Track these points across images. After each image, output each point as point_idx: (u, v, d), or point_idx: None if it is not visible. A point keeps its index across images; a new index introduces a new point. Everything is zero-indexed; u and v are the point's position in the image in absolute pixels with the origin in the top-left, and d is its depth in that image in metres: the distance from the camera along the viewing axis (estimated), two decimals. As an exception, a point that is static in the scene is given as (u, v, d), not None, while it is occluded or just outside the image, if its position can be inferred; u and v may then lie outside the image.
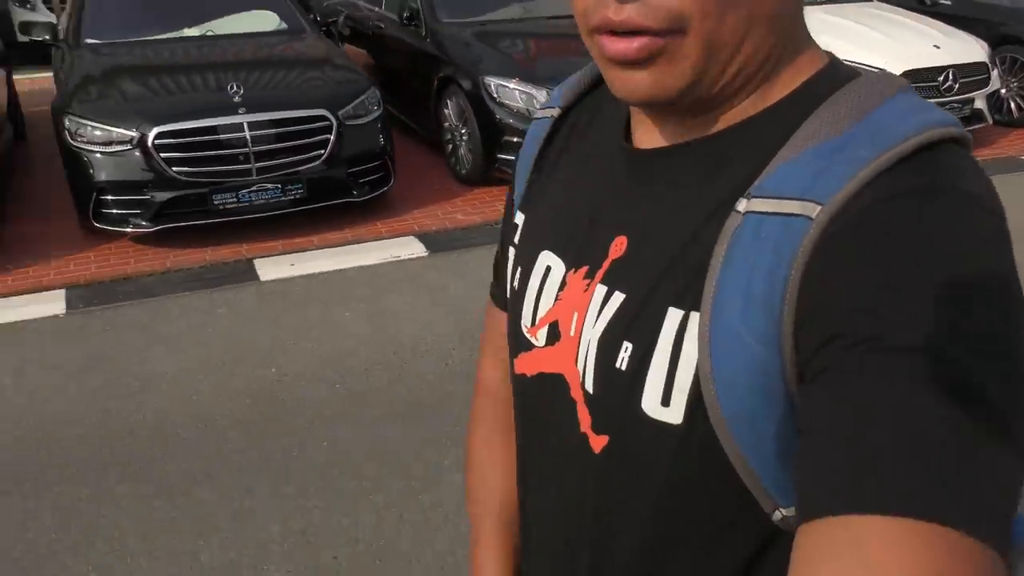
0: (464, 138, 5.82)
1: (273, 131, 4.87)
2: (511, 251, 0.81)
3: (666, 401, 0.61)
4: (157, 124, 4.67)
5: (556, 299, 0.72)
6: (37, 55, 9.55)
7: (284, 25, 6.21)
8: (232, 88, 4.89)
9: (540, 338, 0.73)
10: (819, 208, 0.54)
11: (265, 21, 6.21)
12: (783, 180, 0.57)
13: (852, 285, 0.52)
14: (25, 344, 3.96)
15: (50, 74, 5.83)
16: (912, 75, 6.18)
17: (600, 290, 0.67)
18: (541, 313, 0.74)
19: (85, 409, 3.41)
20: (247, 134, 4.79)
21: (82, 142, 4.75)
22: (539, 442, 0.77)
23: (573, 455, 0.70)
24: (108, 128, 4.72)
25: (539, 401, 0.75)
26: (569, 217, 0.74)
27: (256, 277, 4.63)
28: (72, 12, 5.89)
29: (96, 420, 3.34)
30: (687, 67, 0.59)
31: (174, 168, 4.71)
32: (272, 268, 4.72)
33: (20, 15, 11.08)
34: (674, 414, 0.61)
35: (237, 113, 4.79)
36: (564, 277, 0.72)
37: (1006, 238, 0.54)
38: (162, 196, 4.75)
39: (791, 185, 0.57)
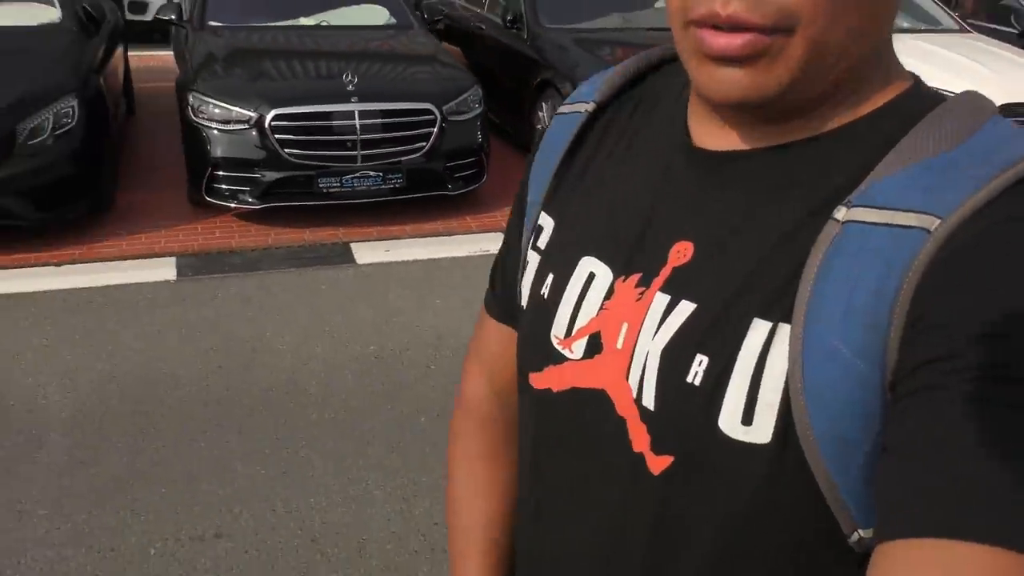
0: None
1: (380, 121, 5.06)
2: (533, 257, 0.76)
3: (747, 419, 0.57)
4: (275, 106, 4.90)
5: (601, 308, 0.67)
6: (141, 34, 9.99)
7: (393, 20, 6.42)
8: (346, 77, 5.10)
9: (576, 350, 0.68)
10: (938, 222, 0.52)
11: (375, 15, 6.43)
12: (893, 192, 0.55)
13: (975, 306, 0.49)
14: (139, 306, 4.20)
15: (155, 52, 6.12)
16: (1010, 109, 6.11)
17: (660, 299, 0.63)
18: (580, 323, 0.69)
19: (201, 368, 3.62)
20: (357, 122, 4.99)
21: (203, 118, 5.00)
22: (570, 466, 0.70)
23: (620, 478, 0.65)
24: (228, 107, 4.97)
25: (571, 419, 0.69)
26: (616, 221, 0.69)
27: (353, 260, 4.82)
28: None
29: (212, 379, 3.54)
30: (788, 69, 0.56)
31: (286, 150, 4.93)
32: (368, 252, 4.91)
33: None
34: (759, 433, 0.57)
35: (350, 101, 4.99)
36: (612, 285, 0.67)
37: None
38: (271, 176, 4.97)
39: (903, 198, 0.54)
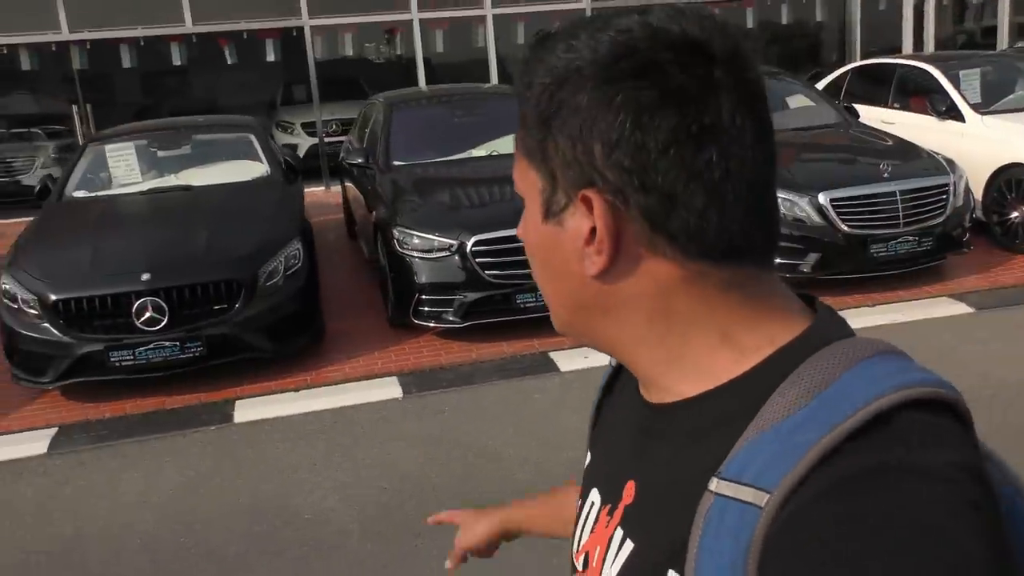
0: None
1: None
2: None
3: None
4: (475, 233, 5.39)
5: (592, 531, 0.79)
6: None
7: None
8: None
9: (579, 563, 0.80)
10: (767, 497, 0.56)
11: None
12: (744, 462, 0.59)
13: None
14: (376, 423, 4.62)
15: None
16: None
17: (618, 533, 0.73)
18: (583, 541, 0.80)
19: (450, 473, 3.97)
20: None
21: (407, 249, 5.54)
22: None
23: None
24: (431, 237, 5.49)
25: None
26: (609, 458, 0.82)
27: (556, 368, 5.16)
28: (380, 138, 6.84)
29: (465, 484, 3.88)
30: (552, 312, 0.75)
31: (486, 272, 5.38)
32: (568, 361, 5.24)
33: (282, 139, 12.72)
34: None
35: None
36: (598, 513, 0.78)
37: (970, 514, 0.52)
38: (473, 296, 5.43)
39: (748, 470, 0.58)
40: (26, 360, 5.06)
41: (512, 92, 0.72)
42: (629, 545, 0.70)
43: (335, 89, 12.27)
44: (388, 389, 5.04)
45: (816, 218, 5.87)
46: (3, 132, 12.76)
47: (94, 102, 11.71)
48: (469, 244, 5.39)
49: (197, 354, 5.00)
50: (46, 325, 4.91)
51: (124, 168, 6.60)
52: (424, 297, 5.53)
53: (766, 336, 0.66)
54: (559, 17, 12.55)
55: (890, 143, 6.82)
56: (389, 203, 5.97)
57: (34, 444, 4.63)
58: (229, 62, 12.08)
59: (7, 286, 5.06)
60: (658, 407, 0.72)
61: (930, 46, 13.60)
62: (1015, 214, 6.66)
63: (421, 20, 12.08)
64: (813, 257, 5.87)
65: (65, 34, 11.04)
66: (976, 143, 6.86)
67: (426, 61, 12.09)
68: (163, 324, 4.92)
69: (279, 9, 11.78)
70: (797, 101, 7.86)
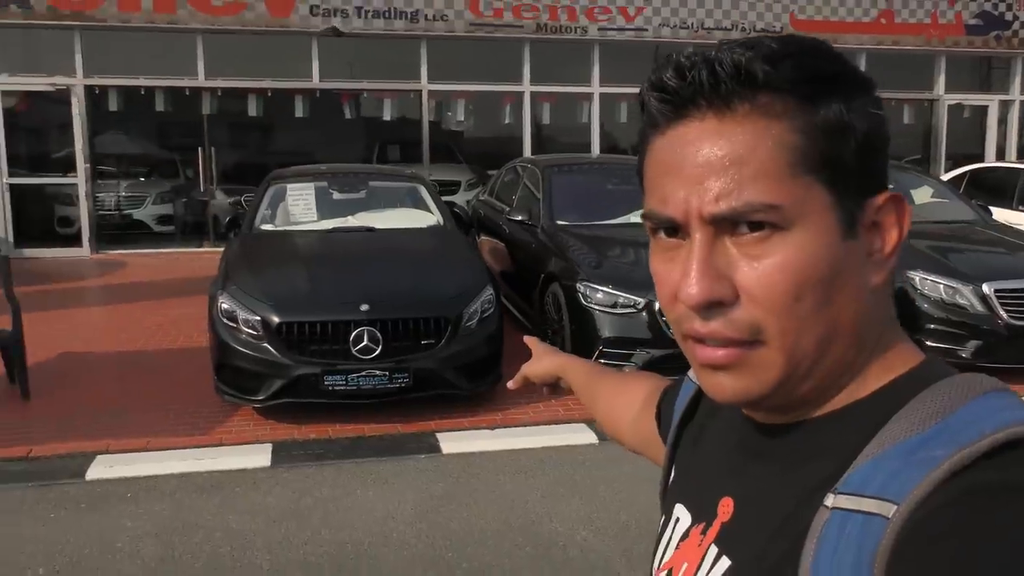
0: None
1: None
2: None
3: None
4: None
5: (677, 547, 0.79)
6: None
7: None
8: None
9: None
10: (895, 508, 0.56)
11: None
12: (866, 478, 0.60)
13: None
14: (576, 462, 4.80)
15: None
16: None
17: (712, 551, 0.73)
18: (666, 557, 0.80)
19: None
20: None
21: (591, 303, 5.80)
22: None
23: None
24: (616, 293, 5.76)
25: None
26: (700, 474, 0.81)
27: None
28: (543, 200, 7.19)
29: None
30: (769, 375, 0.66)
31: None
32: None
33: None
34: None
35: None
36: (688, 529, 0.78)
37: None
38: (658, 352, 5.66)
39: (871, 483, 0.59)
40: (237, 377, 5.29)
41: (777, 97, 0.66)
42: (725, 562, 0.70)
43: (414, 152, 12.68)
44: (583, 435, 5.23)
45: (979, 307, 6.10)
46: (121, 169, 13.29)
47: (218, 146, 12.20)
48: (657, 304, 5.63)
49: (403, 385, 5.23)
50: (266, 345, 5.16)
51: (302, 207, 6.95)
52: (607, 350, 5.77)
53: (901, 360, 0.69)
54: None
55: None
56: (567, 259, 6.27)
57: (255, 457, 4.82)
58: (347, 117, 12.63)
59: (226, 305, 5.33)
60: (768, 426, 0.72)
61: (1012, 153, 14.04)
62: None
63: (532, 93, 12.64)
64: (973, 344, 6.08)
65: (201, 80, 11.62)
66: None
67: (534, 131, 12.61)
68: (376, 354, 5.17)
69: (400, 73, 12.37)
70: (926, 195, 8.19)
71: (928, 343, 6.11)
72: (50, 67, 11.26)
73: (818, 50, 0.66)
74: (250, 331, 5.22)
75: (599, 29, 12.57)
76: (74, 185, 11.41)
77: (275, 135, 14.42)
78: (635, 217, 7.12)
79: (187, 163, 13.03)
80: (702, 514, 0.76)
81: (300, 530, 3.97)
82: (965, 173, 9.28)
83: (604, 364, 5.21)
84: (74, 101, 11.20)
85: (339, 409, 5.32)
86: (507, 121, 12.97)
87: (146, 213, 12.79)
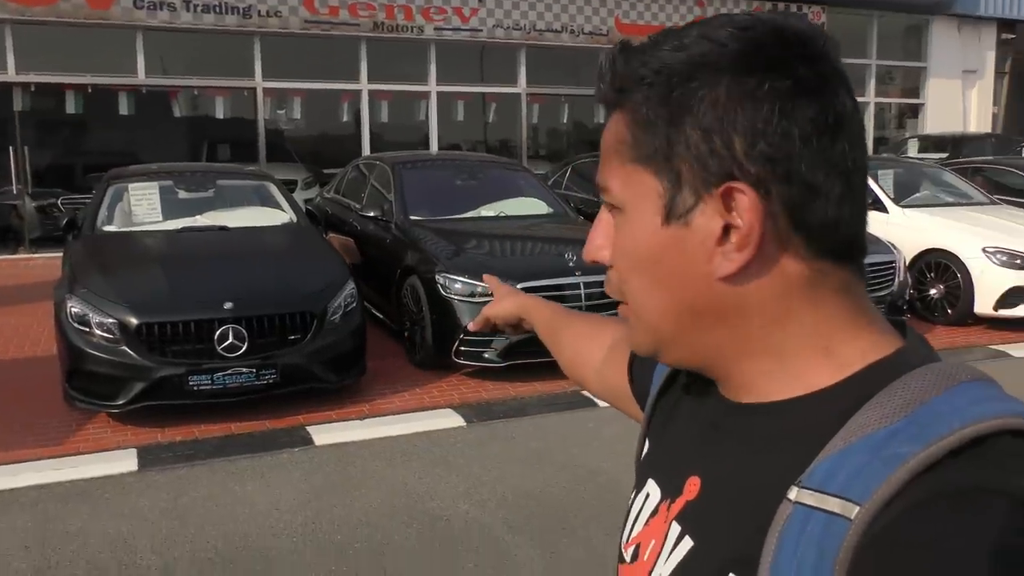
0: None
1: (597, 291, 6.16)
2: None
3: None
4: (520, 280, 5.95)
5: (646, 523, 0.78)
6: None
7: (551, 210, 7.68)
8: (569, 256, 6.23)
9: (627, 555, 0.80)
10: (857, 509, 0.55)
11: (537, 207, 7.68)
12: (830, 472, 0.59)
13: None
14: (456, 447, 5.01)
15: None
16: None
17: (675, 528, 0.73)
18: (634, 532, 0.80)
19: (558, 488, 4.43)
20: (582, 291, 6.07)
21: (451, 293, 6.02)
22: None
23: None
24: (472, 282, 6.02)
25: None
26: (671, 449, 0.81)
27: (595, 404, 5.74)
28: (395, 196, 7.33)
29: (563, 496, 4.35)
30: (639, 333, 0.73)
31: (530, 315, 5.94)
32: (602, 397, 5.83)
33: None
34: None
35: (575, 275, 6.10)
36: (657, 506, 0.78)
37: None
38: (513, 339, 5.96)
39: (835, 479, 0.58)
40: (92, 383, 5.10)
41: (606, 97, 0.72)
42: (688, 543, 0.70)
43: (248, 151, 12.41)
44: (450, 419, 5.44)
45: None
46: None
47: (31, 146, 11.39)
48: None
49: (271, 381, 5.24)
50: (124, 348, 5.01)
51: (146, 207, 6.72)
52: (466, 338, 6.01)
53: (862, 348, 0.67)
54: (496, 98, 13.49)
55: None
56: (423, 252, 6.46)
57: (120, 463, 4.69)
58: (176, 115, 12.14)
59: (76, 309, 5.13)
60: (736, 404, 0.72)
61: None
62: (933, 291, 7.96)
63: (370, 91, 12.68)
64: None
65: (11, 74, 10.82)
66: (899, 231, 8.16)
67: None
68: (242, 351, 5.15)
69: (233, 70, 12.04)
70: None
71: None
72: None
73: (688, 42, 0.66)
74: (105, 334, 5.05)
75: (435, 29, 12.79)
76: None
77: (96, 134, 13.62)
78: (485, 211, 7.43)
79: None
80: (669, 490, 0.76)
81: (183, 528, 3.94)
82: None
83: (466, 353, 5.27)
84: None
85: (202, 409, 5.25)
86: (344, 119, 12.94)
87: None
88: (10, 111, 10.99)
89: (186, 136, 13.64)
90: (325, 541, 3.85)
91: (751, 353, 0.69)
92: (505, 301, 1.33)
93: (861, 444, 0.59)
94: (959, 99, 17.24)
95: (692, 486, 0.73)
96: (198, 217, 6.74)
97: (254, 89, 12.10)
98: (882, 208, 8.49)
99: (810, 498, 0.59)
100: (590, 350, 1.15)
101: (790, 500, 0.60)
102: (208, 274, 5.61)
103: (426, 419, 5.43)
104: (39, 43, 10.98)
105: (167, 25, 11.26)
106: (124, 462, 4.70)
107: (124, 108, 11.52)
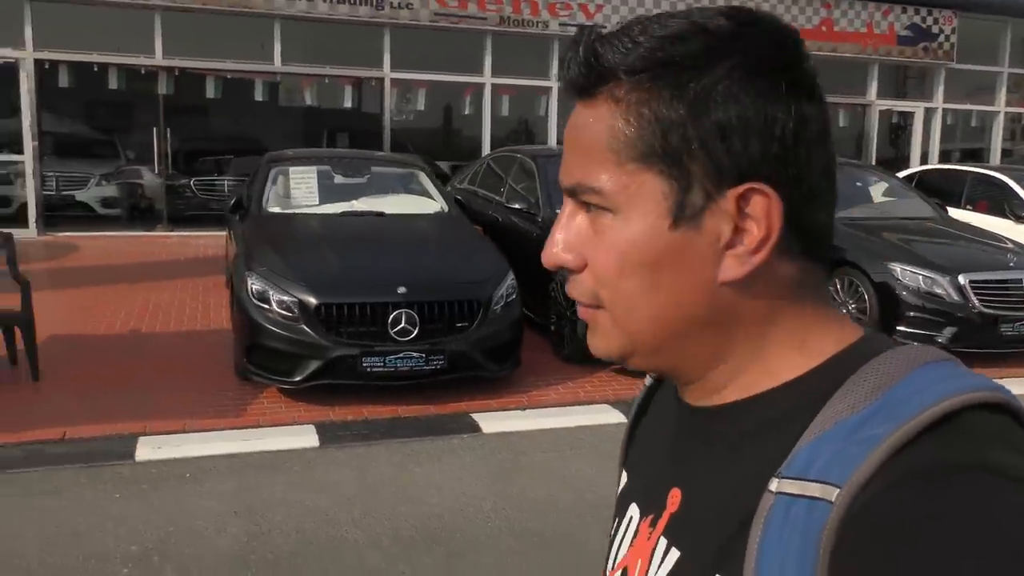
0: (862, 311, 6.89)
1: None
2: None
3: None
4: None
5: (631, 545, 0.77)
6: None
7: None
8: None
9: None
10: (837, 491, 0.56)
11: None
12: (808, 460, 0.59)
13: None
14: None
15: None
16: None
17: (661, 543, 0.71)
18: (619, 558, 0.79)
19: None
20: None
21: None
22: None
23: None
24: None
25: None
26: (647, 469, 0.80)
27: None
28: (541, 189, 7.35)
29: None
30: (613, 339, 0.69)
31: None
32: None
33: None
34: None
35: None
36: (638, 525, 0.77)
37: None
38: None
39: (814, 466, 0.58)
40: (269, 358, 5.27)
41: (581, 85, 0.67)
42: (675, 554, 0.70)
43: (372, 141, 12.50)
44: (609, 414, 5.43)
45: (955, 296, 6.62)
46: (68, 149, 12.74)
47: (172, 128, 11.85)
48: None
49: (438, 367, 5.32)
50: (303, 327, 5.16)
51: (304, 190, 6.90)
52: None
53: (834, 338, 0.67)
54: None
55: (993, 237, 7.72)
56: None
57: (301, 438, 4.84)
58: (307, 103, 12.46)
59: (257, 286, 5.30)
60: (704, 411, 0.71)
61: (935, 158, 15.03)
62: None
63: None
64: (950, 330, 6.60)
65: (158, 58, 11.27)
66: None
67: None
68: (413, 336, 5.24)
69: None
70: (884, 192, 8.76)
71: (906, 329, 6.60)
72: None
73: (681, 35, 0.63)
74: (284, 312, 5.20)
75: (560, 24, 12.80)
76: (20, 163, 10.89)
77: (230, 119, 14.04)
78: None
79: (140, 144, 12.58)
80: (651, 508, 0.75)
81: (378, 505, 4.04)
82: (916, 174, 9.96)
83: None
84: (23, 76, 10.69)
85: (365, 390, 5.36)
86: (466, 112, 13.06)
87: (90, 195, 12.30)
88: (155, 94, 11.44)
89: (313, 124, 13.98)
90: (520, 528, 3.89)
91: (729, 355, 0.68)
92: None
93: (837, 429, 0.59)
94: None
95: (674, 498, 0.72)
96: (354, 202, 6.89)
97: (382, 80, 12.32)
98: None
99: (791, 486, 0.58)
100: None
101: (771, 491, 0.60)
102: (377, 258, 5.73)
103: (586, 413, 5.44)
104: (185, 30, 11.39)
105: (304, 15, 11.55)
106: (305, 437, 4.85)
107: (259, 95, 11.87)
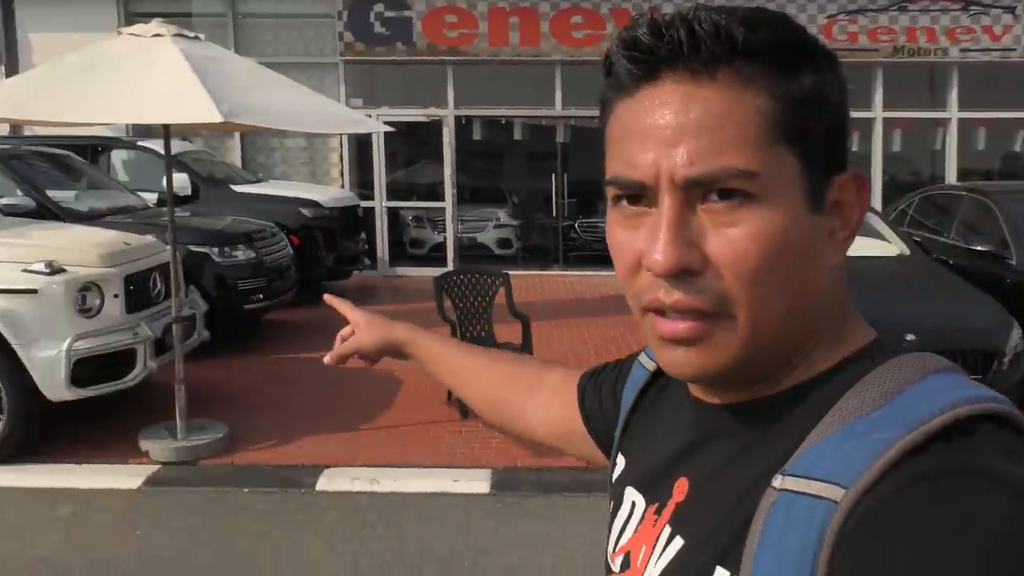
0: None
1: None
2: (611, 489, 0.86)
3: None
4: None
5: (635, 531, 0.77)
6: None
7: None
8: None
9: (616, 564, 0.79)
10: (843, 492, 0.55)
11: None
12: (814, 460, 0.58)
13: None
14: None
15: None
16: None
17: (666, 530, 0.71)
18: (622, 542, 0.78)
19: None
20: None
21: None
22: None
23: None
24: None
25: None
26: (652, 458, 0.78)
27: None
28: (1009, 231, 6.77)
29: None
30: (733, 349, 0.63)
31: None
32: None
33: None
34: None
35: None
36: (644, 512, 0.77)
37: None
38: None
39: (819, 466, 0.58)
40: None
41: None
42: (678, 542, 0.70)
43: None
44: None
45: None
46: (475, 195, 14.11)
47: (569, 174, 12.67)
48: None
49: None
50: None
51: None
52: None
53: (860, 332, 0.67)
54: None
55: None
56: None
57: (475, 483, 4.75)
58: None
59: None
60: (718, 407, 0.71)
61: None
62: None
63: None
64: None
65: (557, 110, 12.12)
66: None
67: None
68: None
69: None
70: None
71: None
72: (425, 100, 12.15)
73: (787, 20, 0.64)
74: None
75: (960, 51, 11.88)
76: (441, 209, 12.20)
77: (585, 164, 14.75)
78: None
79: (538, 190, 13.57)
80: (656, 496, 0.76)
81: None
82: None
83: None
84: (445, 131, 12.00)
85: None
86: (854, 148, 12.54)
87: (488, 236, 13.43)
88: (554, 143, 12.29)
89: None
90: None
91: (807, 348, 0.67)
92: (374, 329, 1.20)
93: (844, 432, 0.58)
94: None
95: (680, 488, 0.72)
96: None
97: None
98: None
99: (795, 484, 0.58)
100: (515, 394, 1.11)
101: (775, 488, 0.59)
102: (886, 301, 5.56)
103: None
104: (580, 80, 12.14)
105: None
106: (477, 483, 4.73)
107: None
